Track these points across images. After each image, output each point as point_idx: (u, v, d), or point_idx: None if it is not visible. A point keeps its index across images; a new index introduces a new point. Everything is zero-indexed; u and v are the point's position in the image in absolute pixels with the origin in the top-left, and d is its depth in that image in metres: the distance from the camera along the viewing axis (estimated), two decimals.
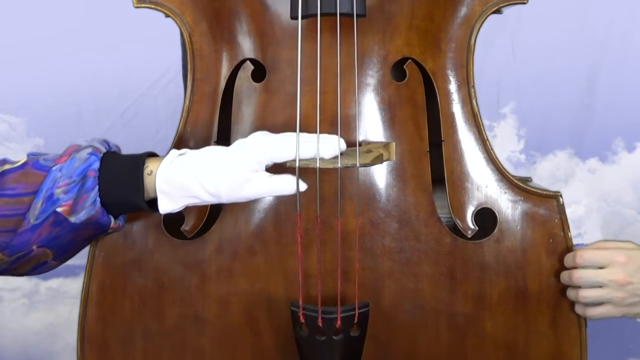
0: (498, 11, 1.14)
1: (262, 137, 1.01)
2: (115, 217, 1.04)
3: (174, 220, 1.12)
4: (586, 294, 1.10)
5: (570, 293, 1.12)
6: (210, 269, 1.12)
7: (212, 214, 1.13)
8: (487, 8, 1.13)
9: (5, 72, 1.81)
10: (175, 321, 1.13)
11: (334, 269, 1.08)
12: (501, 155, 1.74)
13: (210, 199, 1.01)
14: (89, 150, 1.02)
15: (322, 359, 1.07)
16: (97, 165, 1.01)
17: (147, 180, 1.01)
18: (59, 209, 0.99)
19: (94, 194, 1.00)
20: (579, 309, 1.13)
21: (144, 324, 1.13)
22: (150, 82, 1.82)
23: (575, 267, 1.11)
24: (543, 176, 1.85)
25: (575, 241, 1.14)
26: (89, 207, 1.00)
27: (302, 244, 1.07)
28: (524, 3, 1.12)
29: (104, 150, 1.03)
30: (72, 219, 1.00)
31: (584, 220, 1.87)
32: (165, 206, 1.02)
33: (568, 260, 1.12)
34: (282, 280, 1.11)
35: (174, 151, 1.04)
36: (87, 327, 1.13)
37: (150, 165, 1.02)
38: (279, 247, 1.11)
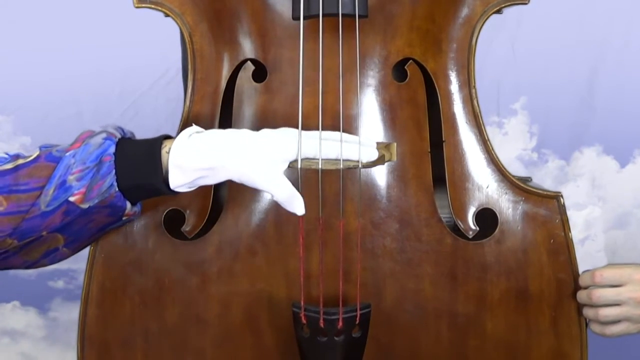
0: (498, 11, 1.14)
1: (290, 133, 1.00)
2: (133, 204, 1.01)
3: (174, 221, 1.12)
4: (606, 313, 1.10)
5: (589, 312, 1.12)
6: (211, 269, 1.12)
7: (213, 214, 1.12)
8: (488, 8, 1.13)
9: (2, 72, 1.81)
10: (175, 322, 1.12)
11: (336, 270, 1.08)
12: (512, 154, 1.74)
13: (222, 176, 0.98)
14: (104, 135, 0.98)
15: None
16: (112, 149, 0.96)
17: (165, 159, 0.97)
18: (71, 198, 0.95)
19: (110, 179, 0.96)
20: (596, 328, 1.13)
21: (145, 325, 1.13)
22: (150, 82, 1.82)
23: (589, 287, 1.11)
24: (554, 175, 1.84)
25: (578, 243, 1.14)
26: (104, 193, 0.96)
27: (303, 244, 1.07)
28: (525, 3, 1.12)
29: (118, 135, 0.99)
30: (85, 206, 0.96)
31: (597, 222, 1.86)
32: (177, 180, 0.97)
33: (584, 279, 1.11)
34: (283, 280, 1.11)
35: (192, 127, 1.00)
36: (87, 327, 1.13)
37: (168, 144, 0.98)
38: (280, 247, 1.11)
